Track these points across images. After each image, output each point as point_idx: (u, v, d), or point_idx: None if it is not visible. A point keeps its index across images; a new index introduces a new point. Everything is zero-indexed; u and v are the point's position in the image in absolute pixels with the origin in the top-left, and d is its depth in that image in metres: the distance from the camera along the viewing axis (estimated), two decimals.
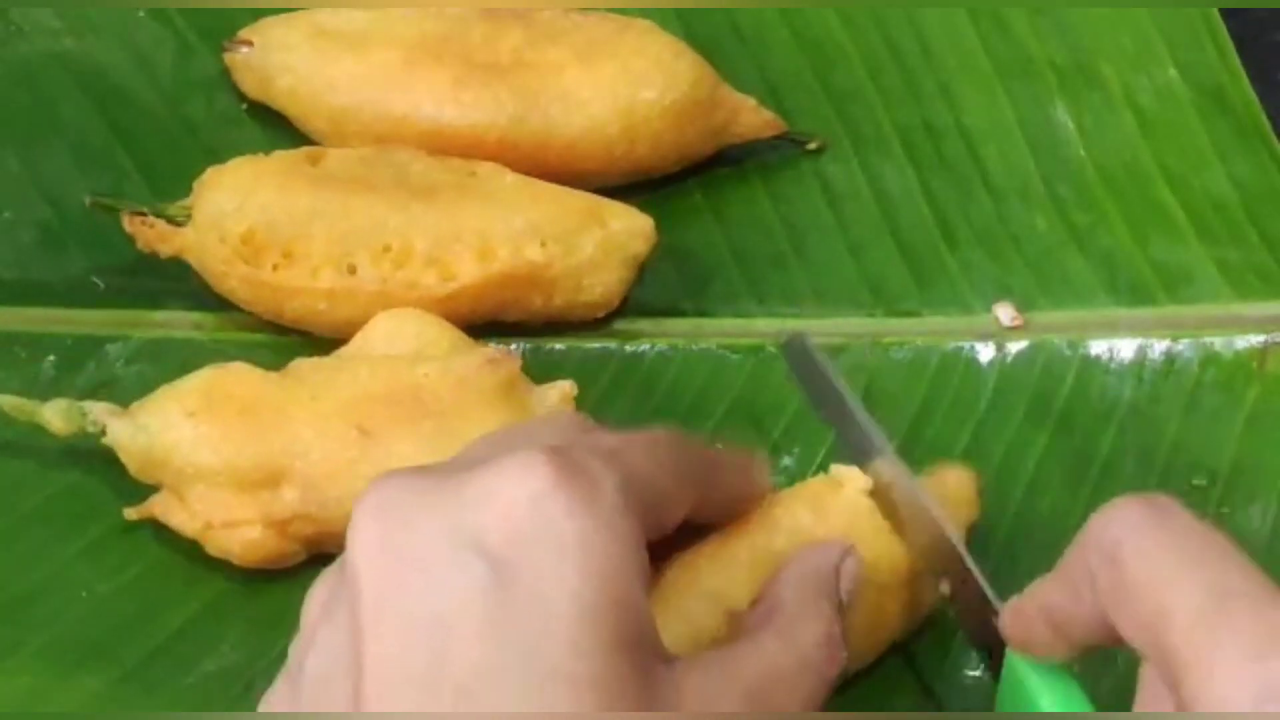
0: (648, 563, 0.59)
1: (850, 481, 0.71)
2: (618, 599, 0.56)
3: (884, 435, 0.71)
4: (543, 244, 0.82)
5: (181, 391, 0.76)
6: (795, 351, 0.74)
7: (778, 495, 0.72)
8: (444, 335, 0.79)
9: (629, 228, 0.83)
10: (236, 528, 0.75)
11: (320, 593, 0.60)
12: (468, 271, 0.81)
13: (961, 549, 0.68)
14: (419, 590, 0.56)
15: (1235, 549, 0.56)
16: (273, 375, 0.77)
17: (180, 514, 0.75)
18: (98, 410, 0.76)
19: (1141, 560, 0.56)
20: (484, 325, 0.82)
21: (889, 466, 0.70)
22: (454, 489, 0.58)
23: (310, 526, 0.75)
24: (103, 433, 0.76)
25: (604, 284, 0.83)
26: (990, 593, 0.67)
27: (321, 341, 0.81)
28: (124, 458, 0.76)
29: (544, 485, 0.57)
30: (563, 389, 0.77)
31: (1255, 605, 0.54)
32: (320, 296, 0.81)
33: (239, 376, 0.76)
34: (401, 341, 0.78)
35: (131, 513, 0.76)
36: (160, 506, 0.76)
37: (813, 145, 0.90)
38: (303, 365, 0.77)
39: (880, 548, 0.70)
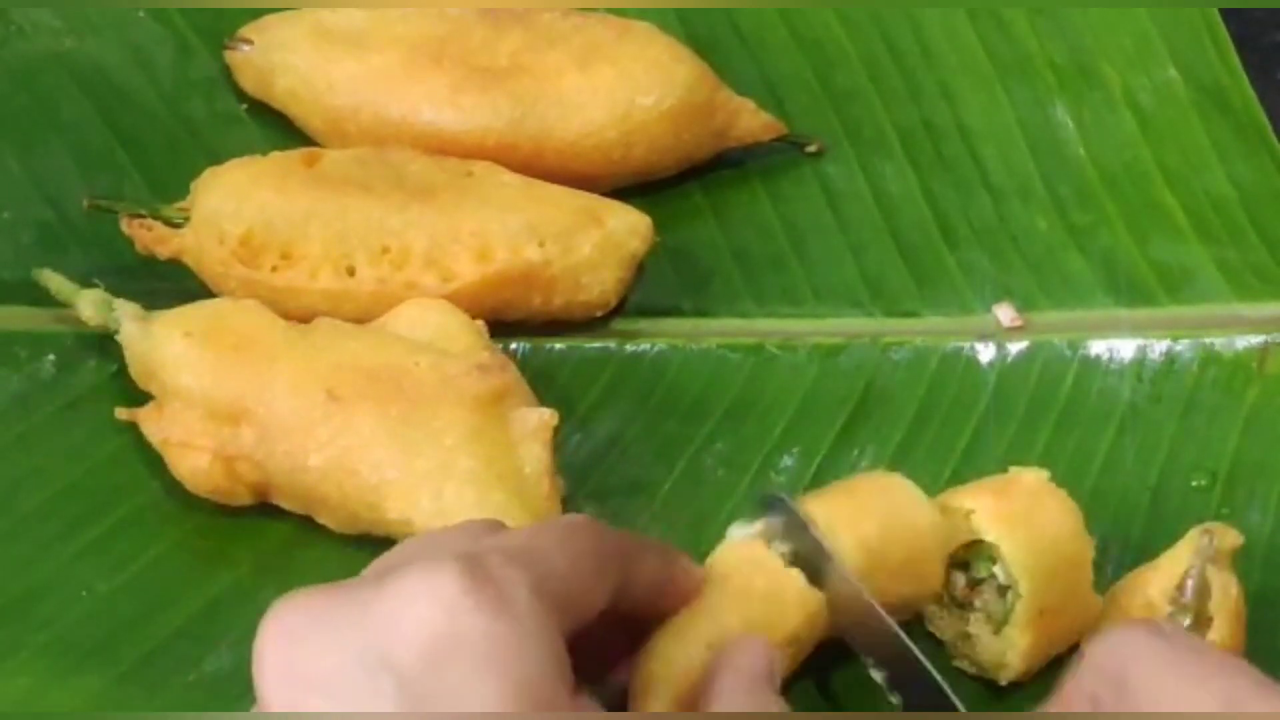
0: (566, 659, 0.58)
1: (1029, 472, 0.74)
2: (539, 702, 0.56)
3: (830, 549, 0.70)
4: (540, 244, 0.82)
5: (190, 312, 0.79)
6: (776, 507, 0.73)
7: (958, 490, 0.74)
8: (463, 332, 0.79)
9: (626, 226, 0.83)
10: (189, 451, 0.76)
11: None
12: (466, 272, 0.81)
13: (917, 652, 0.68)
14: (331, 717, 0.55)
15: (1242, 662, 0.57)
16: (282, 323, 0.78)
17: (153, 424, 0.78)
18: (123, 308, 0.79)
19: (1151, 679, 0.56)
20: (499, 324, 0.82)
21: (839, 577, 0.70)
22: (360, 607, 0.57)
23: (256, 473, 0.76)
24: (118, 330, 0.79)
25: (602, 283, 0.83)
26: (951, 696, 0.67)
27: None
28: (127, 358, 0.79)
29: (453, 597, 0.56)
30: (543, 416, 0.76)
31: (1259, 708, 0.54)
32: (319, 297, 0.81)
33: (249, 314, 0.78)
34: (423, 330, 0.78)
35: (122, 412, 0.79)
36: (144, 413, 0.78)
37: (812, 148, 0.90)
38: (322, 324, 0.79)
39: (1062, 529, 0.72)
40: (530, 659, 0.56)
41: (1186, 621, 0.71)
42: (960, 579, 0.74)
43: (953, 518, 0.73)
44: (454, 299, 0.81)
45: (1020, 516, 0.73)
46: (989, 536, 0.72)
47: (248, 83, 0.89)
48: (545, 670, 0.56)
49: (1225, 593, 0.72)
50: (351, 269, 0.81)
